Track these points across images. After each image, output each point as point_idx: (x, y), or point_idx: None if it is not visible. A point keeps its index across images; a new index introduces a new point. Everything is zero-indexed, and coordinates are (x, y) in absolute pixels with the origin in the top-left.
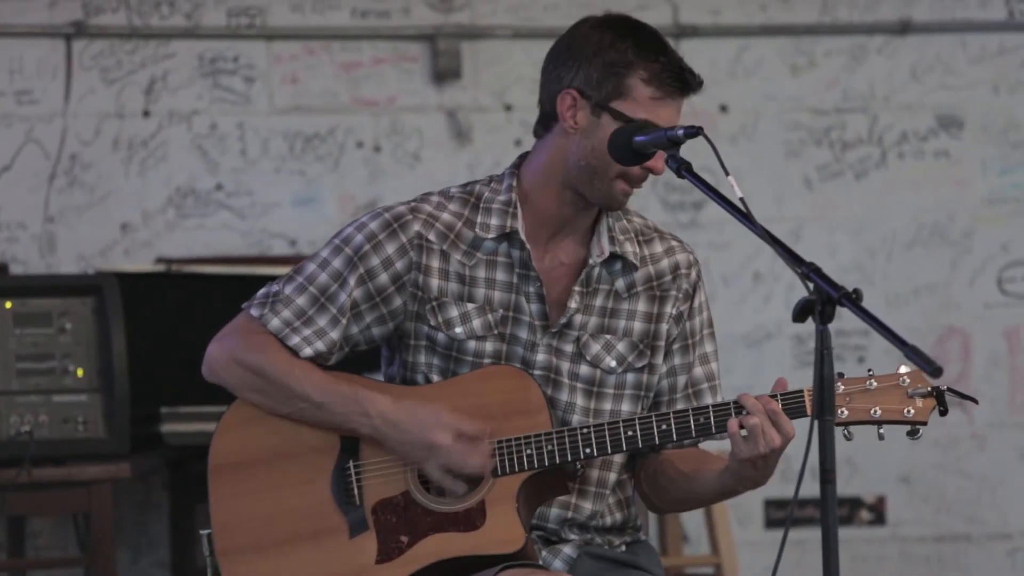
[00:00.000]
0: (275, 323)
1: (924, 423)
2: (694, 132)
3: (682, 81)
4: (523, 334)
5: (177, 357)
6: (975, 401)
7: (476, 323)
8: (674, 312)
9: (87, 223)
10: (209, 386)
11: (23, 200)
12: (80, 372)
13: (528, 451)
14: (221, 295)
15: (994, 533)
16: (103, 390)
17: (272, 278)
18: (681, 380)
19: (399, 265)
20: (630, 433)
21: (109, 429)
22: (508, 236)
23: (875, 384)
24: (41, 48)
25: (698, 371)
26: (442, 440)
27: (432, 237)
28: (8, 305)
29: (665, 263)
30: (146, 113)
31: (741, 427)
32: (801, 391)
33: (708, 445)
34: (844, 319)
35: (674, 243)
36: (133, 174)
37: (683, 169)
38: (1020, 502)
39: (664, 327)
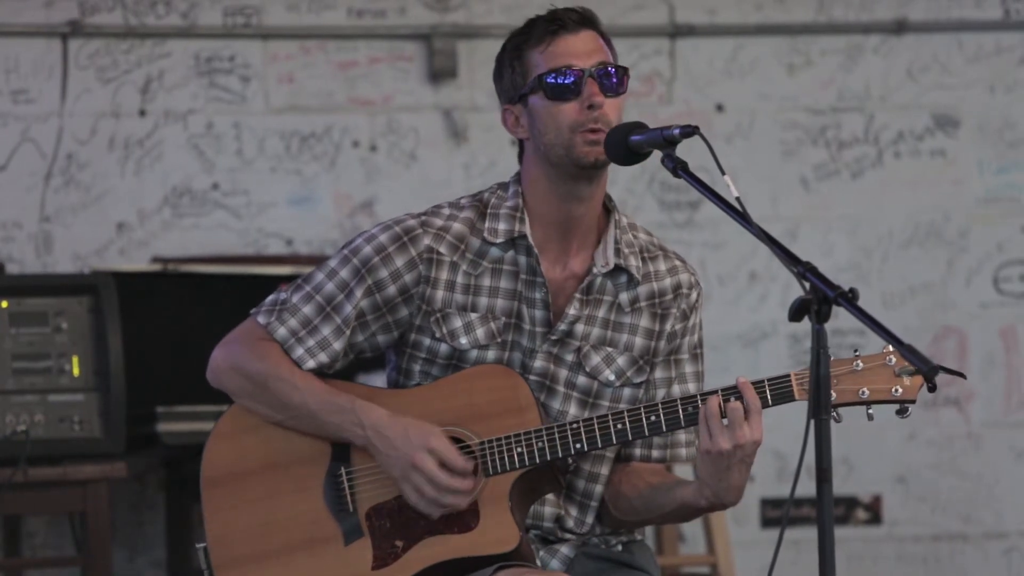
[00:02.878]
0: (281, 332)
1: (912, 401)
2: (690, 131)
3: (556, 19)
4: (523, 341)
5: (173, 356)
6: (963, 376)
7: (479, 332)
8: (669, 330)
9: (83, 222)
10: (205, 385)
11: (19, 199)
12: (76, 371)
13: (519, 449)
14: (217, 294)
15: (990, 532)
16: (99, 389)
17: (268, 277)
18: (660, 393)
19: (408, 278)
20: (619, 426)
21: (105, 428)
22: (515, 243)
23: (862, 365)
24: (37, 47)
25: (676, 389)
26: (425, 464)
27: (443, 249)
28: (4, 304)
29: (668, 282)
30: (142, 112)
31: (723, 415)
32: (788, 375)
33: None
34: (840, 318)
35: (677, 263)
36: (129, 173)
37: (679, 168)
38: (1016, 501)
39: (662, 344)
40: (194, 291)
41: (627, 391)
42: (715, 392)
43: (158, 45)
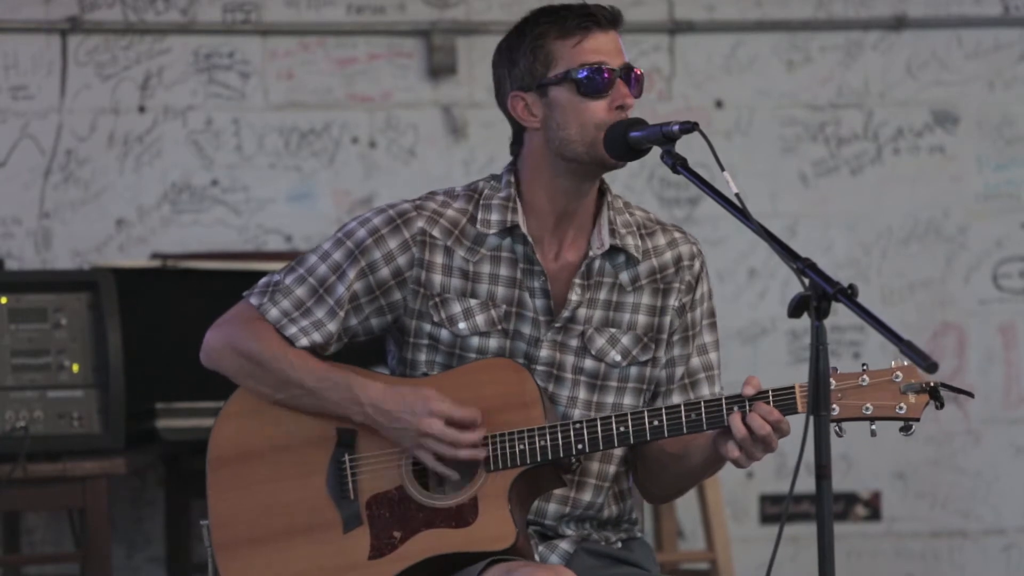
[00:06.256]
0: (274, 313)
1: (916, 419)
2: (689, 128)
3: (590, 15)
4: (526, 330)
5: (172, 353)
6: (971, 395)
7: (479, 319)
8: (676, 304)
9: (82, 219)
10: (204, 381)
11: (18, 196)
12: (75, 368)
13: (521, 446)
14: (216, 291)
15: (989, 529)
16: (98, 386)
17: (267, 274)
18: (679, 371)
19: (401, 260)
20: (622, 429)
21: (104, 424)
22: (511, 231)
23: (867, 380)
24: (36, 44)
25: (695, 362)
26: (433, 428)
27: (436, 233)
28: (3, 300)
29: (668, 255)
30: (141, 109)
31: (750, 430)
32: (792, 387)
33: None
34: (839, 315)
35: (677, 235)
36: (128, 170)
37: (678, 165)
38: (1015, 498)
39: (667, 320)
40: (193, 287)
41: (634, 370)
42: (719, 401)
43: (157, 41)
